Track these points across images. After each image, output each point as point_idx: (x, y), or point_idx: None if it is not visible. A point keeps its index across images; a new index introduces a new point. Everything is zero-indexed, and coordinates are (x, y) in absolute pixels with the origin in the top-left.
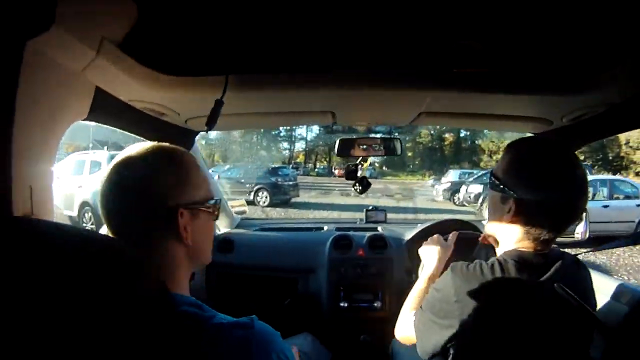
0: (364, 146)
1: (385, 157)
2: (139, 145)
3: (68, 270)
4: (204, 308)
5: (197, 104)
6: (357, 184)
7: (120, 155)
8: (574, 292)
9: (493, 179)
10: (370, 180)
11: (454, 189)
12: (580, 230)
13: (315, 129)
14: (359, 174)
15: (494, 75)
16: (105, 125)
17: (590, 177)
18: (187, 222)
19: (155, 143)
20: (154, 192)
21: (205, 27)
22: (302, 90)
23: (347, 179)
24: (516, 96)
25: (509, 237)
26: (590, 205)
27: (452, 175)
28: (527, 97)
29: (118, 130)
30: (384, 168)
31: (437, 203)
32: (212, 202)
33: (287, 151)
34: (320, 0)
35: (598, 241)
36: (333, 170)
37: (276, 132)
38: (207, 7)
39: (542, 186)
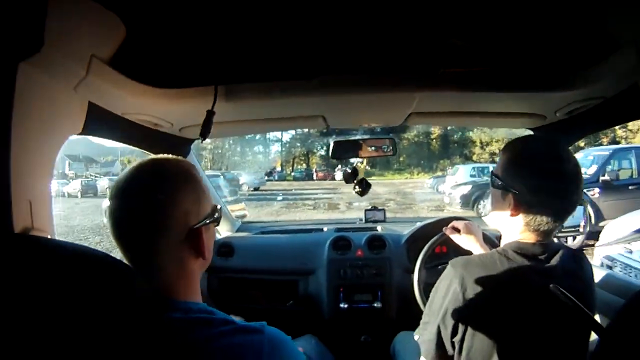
0: (360, 148)
1: (378, 158)
2: (145, 166)
3: (63, 283)
4: (216, 313)
5: (190, 113)
6: (358, 187)
7: (131, 179)
8: (574, 285)
9: (494, 177)
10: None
11: (477, 194)
12: (580, 223)
13: (292, 130)
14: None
15: (483, 73)
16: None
17: None
18: (205, 238)
19: (159, 158)
20: (175, 217)
21: (191, 41)
22: (290, 97)
23: (347, 182)
24: (507, 93)
25: (511, 230)
26: None
27: (463, 173)
28: (518, 94)
29: (88, 142)
30: (366, 168)
31: (452, 214)
32: (217, 207)
33: (261, 155)
34: (304, 8)
35: None
36: (315, 172)
37: (250, 136)
38: (193, 21)
39: (538, 180)
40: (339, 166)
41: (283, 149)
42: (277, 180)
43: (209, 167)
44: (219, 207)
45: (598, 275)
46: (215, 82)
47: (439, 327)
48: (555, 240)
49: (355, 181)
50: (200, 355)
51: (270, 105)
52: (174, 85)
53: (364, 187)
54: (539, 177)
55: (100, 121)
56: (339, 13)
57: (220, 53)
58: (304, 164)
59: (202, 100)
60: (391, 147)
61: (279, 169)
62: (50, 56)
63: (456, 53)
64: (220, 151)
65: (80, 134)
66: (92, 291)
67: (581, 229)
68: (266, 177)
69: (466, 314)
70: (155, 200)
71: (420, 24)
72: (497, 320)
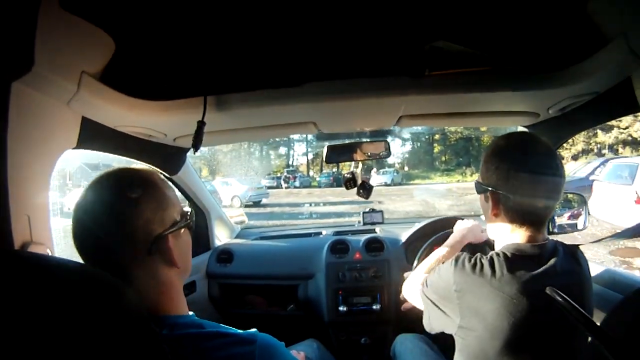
0: (354, 151)
1: (381, 159)
2: (102, 179)
3: (54, 301)
4: (205, 325)
5: (182, 124)
6: (361, 191)
7: (89, 195)
8: (572, 283)
9: (476, 184)
10: (392, 187)
11: None
12: (580, 220)
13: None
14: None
15: (470, 74)
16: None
17: None
18: (174, 245)
19: (117, 169)
20: (137, 226)
21: (179, 53)
22: (280, 105)
23: (347, 188)
24: (497, 93)
25: (503, 233)
26: None
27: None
28: (508, 94)
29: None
30: (405, 168)
31: None
32: (188, 213)
33: (285, 158)
34: (287, 16)
35: None
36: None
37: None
38: (180, 34)
39: (506, 169)
40: (374, 169)
41: (309, 149)
42: (297, 188)
43: (219, 173)
44: (189, 212)
45: (597, 271)
46: (204, 93)
47: (436, 313)
48: (551, 237)
49: (356, 187)
50: None
51: (261, 114)
52: (165, 97)
53: (368, 190)
54: (507, 166)
55: (94, 135)
56: (322, 20)
57: (208, 64)
58: (335, 166)
59: (193, 110)
60: (385, 150)
61: (303, 173)
62: (41, 74)
63: (442, 55)
64: (237, 153)
65: (75, 148)
66: (84, 308)
67: (580, 226)
68: (285, 184)
69: (461, 314)
70: (112, 213)
71: (405, 27)
72: (494, 322)
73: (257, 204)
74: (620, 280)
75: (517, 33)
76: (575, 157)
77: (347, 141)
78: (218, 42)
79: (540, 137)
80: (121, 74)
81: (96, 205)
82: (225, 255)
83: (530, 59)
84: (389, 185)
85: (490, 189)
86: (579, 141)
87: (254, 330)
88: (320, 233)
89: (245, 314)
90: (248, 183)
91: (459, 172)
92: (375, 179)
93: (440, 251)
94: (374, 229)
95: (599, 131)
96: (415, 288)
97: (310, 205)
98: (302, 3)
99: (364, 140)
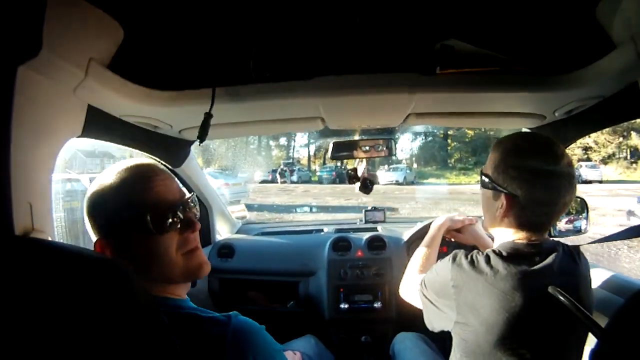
0: (363, 148)
1: (390, 156)
2: (108, 172)
3: (63, 285)
4: (183, 307)
5: (189, 115)
6: (363, 187)
7: (96, 185)
8: (569, 282)
9: (483, 178)
10: (405, 186)
11: None
12: (582, 223)
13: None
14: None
15: (481, 74)
16: None
17: None
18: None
19: (126, 164)
20: (134, 212)
21: (189, 43)
22: (288, 99)
23: (350, 183)
24: (505, 94)
25: (504, 231)
26: None
27: None
28: (516, 94)
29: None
30: (414, 166)
31: None
32: (189, 197)
33: (285, 149)
34: (300, 9)
35: None
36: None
37: None
38: (190, 23)
39: (530, 182)
40: (385, 166)
41: (311, 140)
42: (295, 183)
43: (214, 164)
44: (192, 195)
45: (599, 274)
46: (213, 84)
47: (435, 311)
48: (552, 238)
49: (358, 182)
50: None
51: (269, 107)
52: (173, 88)
53: (369, 186)
54: (532, 178)
55: (99, 124)
56: (335, 13)
57: (217, 55)
58: (339, 161)
59: (201, 102)
60: (389, 148)
61: (304, 166)
62: (48, 60)
63: (453, 53)
64: (233, 143)
65: (80, 136)
66: (92, 293)
67: (583, 228)
68: (280, 179)
69: (457, 309)
70: (112, 200)
71: (417, 24)
72: (488, 317)
73: (233, 204)
74: (627, 287)
75: (527, 35)
76: (604, 161)
77: (352, 138)
78: (229, 33)
79: (559, 145)
80: (129, 62)
81: (104, 195)
82: (226, 250)
83: (538, 61)
84: (401, 184)
85: (506, 192)
86: (609, 144)
87: (231, 313)
88: (322, 230)
89: (245, 309)
90: (224, 177)
91: (476, 170)
92: (384, 176)
93: (421, 249)
94: (376, 227)
95: (632, 133)
96: (412, 289)
97: (311, 210)
98: None
99: (370, 137)
